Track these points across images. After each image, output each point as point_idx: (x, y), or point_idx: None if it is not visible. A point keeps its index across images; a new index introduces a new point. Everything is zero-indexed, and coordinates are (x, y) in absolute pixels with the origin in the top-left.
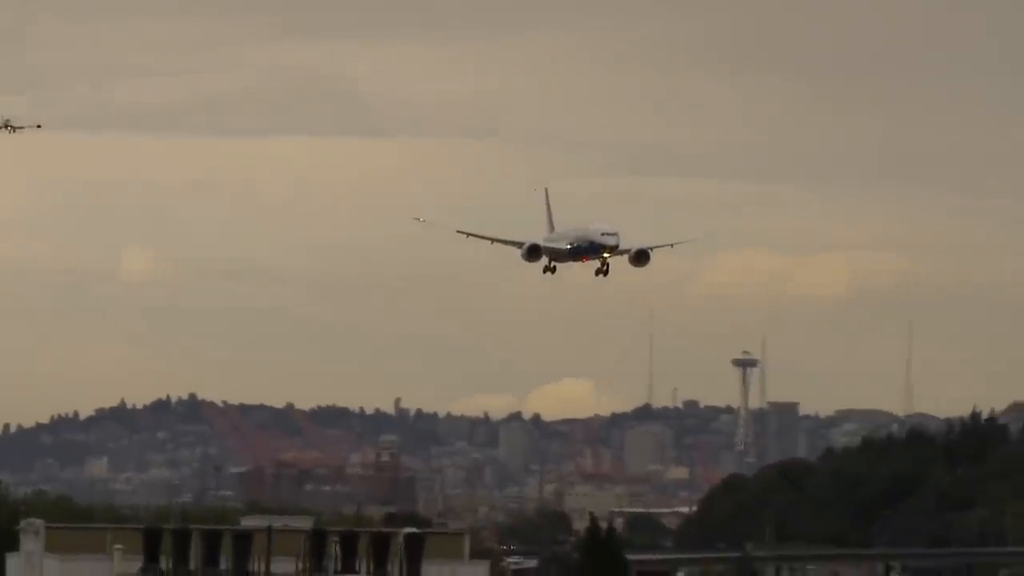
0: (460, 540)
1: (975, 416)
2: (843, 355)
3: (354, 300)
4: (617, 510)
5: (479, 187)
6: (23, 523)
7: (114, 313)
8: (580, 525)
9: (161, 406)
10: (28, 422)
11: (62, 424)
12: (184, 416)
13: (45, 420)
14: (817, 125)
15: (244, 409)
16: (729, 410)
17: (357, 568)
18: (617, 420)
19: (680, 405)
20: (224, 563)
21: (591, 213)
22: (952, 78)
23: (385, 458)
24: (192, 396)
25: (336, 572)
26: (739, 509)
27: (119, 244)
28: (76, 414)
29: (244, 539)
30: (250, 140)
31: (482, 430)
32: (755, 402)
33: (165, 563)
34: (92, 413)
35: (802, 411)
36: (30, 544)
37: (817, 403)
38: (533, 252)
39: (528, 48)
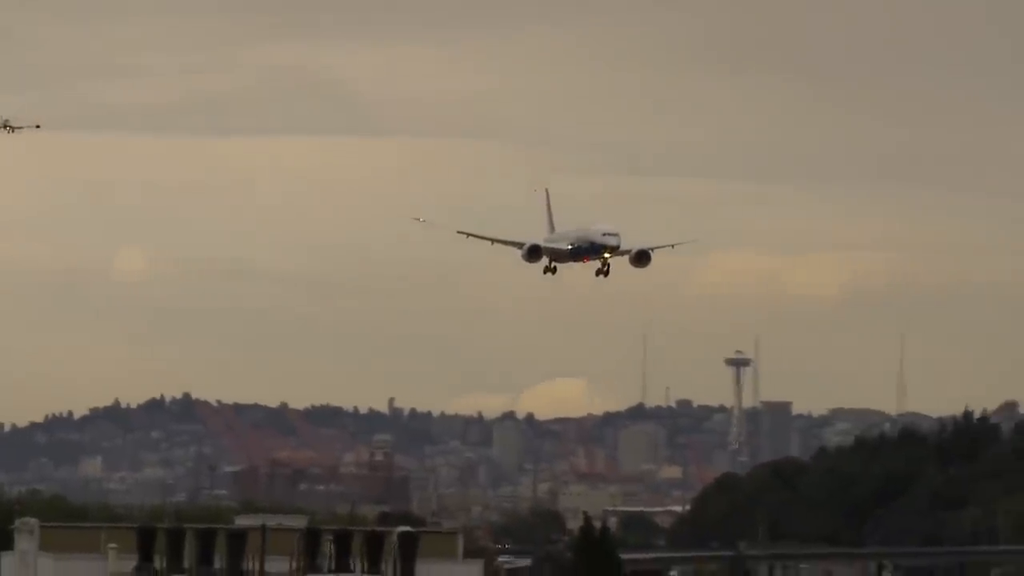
0: (454, 539)
1: (967, 415)
2: (836, 355)
3: (348, 300)
4: (611, 509)
5: (479, 187)
6: (17, 522)
7: (108, 313)
8: (574, 524)
9: (155, 405)
10: (22, 421)
11: (56, 423)
12: (178, 415)
13: (39, 419)
14: (812, 125)
15: (238, 408)
16: (722, 409)
17: (351, 567)
18: (610, 419)
19: (673, 404)
20: (218, 562)
21: (590, 213)
22: (950, 78)
23: (379, 457)
24: (186, 395)
25: (330, 571)
26: (732, 508)
27: (113, 244)
28: (70, 413)
29: (238, 538)
30: (246, 140)
31: (476, 429)
32: (748, 401)
33: (159, 562)
34: (86, 412)
35: (795, 410)
36: (24, 543)
37: (810, 402)
38: (534, 253)
39: (528, 48)
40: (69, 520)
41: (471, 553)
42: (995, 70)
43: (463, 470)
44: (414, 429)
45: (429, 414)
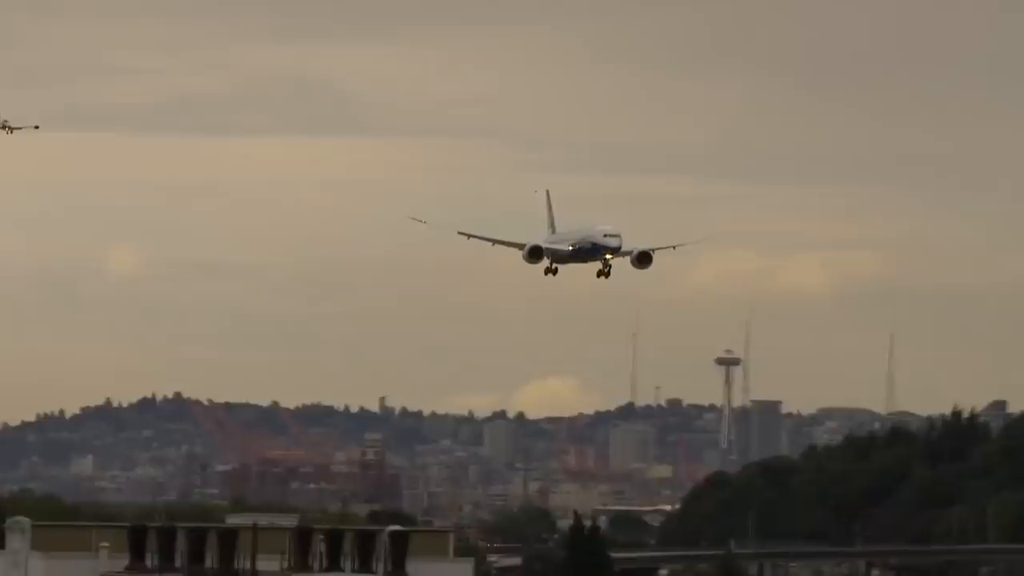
0: (445, 538)
1: (956, 414)
2: (826, 354)
3: (339, 300)
4: (601, 508)
5: (479, 187)
6: (9, 521)
7: (100, 312)
8: (564, 523)
9: (147, 404)
10: (14, 420)
11: (48, 423)
12: (170, 415)
13: (31, 418)
14: (801, 125)
15: (229, 408)
16: (712, 408)
17: (342, 566)
18: (601, 418)
19: (663, 403)
20: (210, 561)
21: (585, 214)
22: (939, 79)
23: (370, 456)
24: (178, 395)
25: (321, 569)
26: (722, 507)
27: (105, 243)
28: (62, 412)
29: (230, 537)
30: (240, 140)
31: (466, 428)
32: (738, 400)
33: (151, 561)
34: (78, 412)
35: (785, 409)
36: (16, 543)
37: (800, 401)
38: (534, 253)
39: (527, 48)
40: (61, 519)
41: (462, 552)
42: (984, 71)
43: (454, 469)
44: (405, 428)
45: (420, 413)
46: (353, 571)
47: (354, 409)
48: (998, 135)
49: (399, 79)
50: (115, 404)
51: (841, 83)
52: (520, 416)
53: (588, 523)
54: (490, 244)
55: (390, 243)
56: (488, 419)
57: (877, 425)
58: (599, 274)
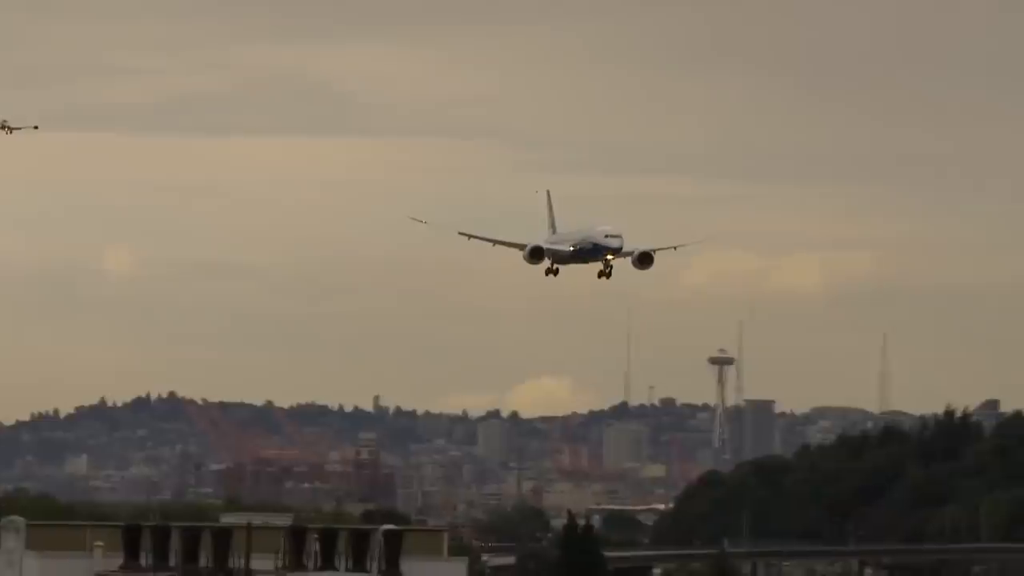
0: (439, 537)
1: (949, 414)
2: (819, 353)
3: (334, 300)
4: (595, 507)
5: (479, 187)
6: (3, 521)
7: (95, 311)
8: (558, 522)
9: (141, 404)
10: (8, 420)
11: (43, 422)
12: (164, 414)
13: (25, 418)
14: (797, 125)
15: (224, 407)
16: (706, 408)
17: (336, 565)
18: (595, 418)
19: (657, 403)
20: (204, 560)
21: (584, 214)
22: (936, 79)
23: (364, 456)
24: (172, 394)
25: (316, 569)
26: (715, 506)
27: (101, 242)
28: (56, 412)
29: (224, 536)
30: (238, 140)
31: (461, 428)
32: (731, 400)
33: (145, 560)
34: (72, 411)
35: (778, 408)
36: (11, 542)
37: (793, 401)
38: (536, 254)
39: (527, 48)
40: (55, 518)
41: (456, 551)
42: (984, 71)
43: (448, 468)
44: (399, 427)
45: (414, 412)
46: (347, 570)
47: (348, 409)
48: (998, 135)
49: (399, 79)
50: (110, 403)
51: (841, 83)
52: (514, 415)
53: (582, 522)
54: (491, 244)
55: (390, 243)
56: (482, 419)
57: (870, 424)
58: (600, 275)
